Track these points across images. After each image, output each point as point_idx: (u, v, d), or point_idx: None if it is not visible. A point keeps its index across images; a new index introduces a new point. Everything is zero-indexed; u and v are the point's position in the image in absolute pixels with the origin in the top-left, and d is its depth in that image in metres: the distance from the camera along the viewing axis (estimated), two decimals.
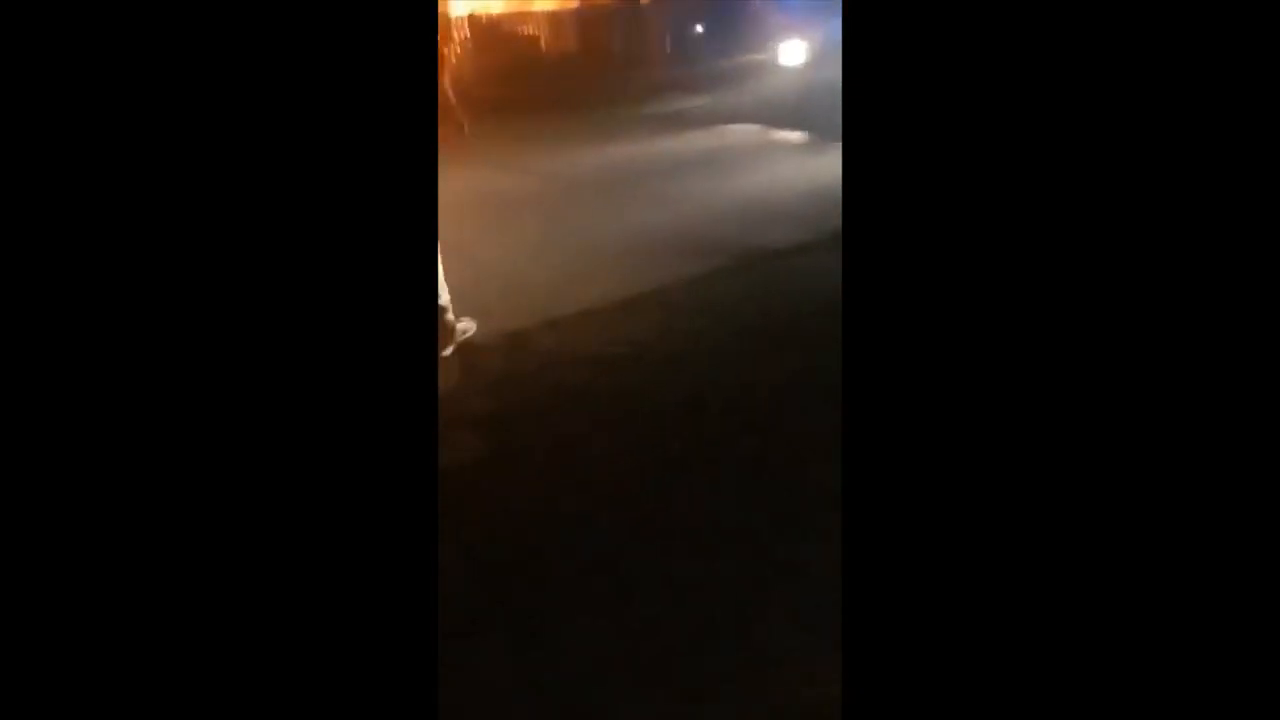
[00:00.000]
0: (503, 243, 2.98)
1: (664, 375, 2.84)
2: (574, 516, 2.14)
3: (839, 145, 1.09)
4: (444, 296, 2.93)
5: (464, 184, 4.87)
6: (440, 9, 2.67)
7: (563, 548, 2.03)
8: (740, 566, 1.91)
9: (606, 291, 3.39)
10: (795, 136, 6.08)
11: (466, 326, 2.99)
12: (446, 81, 2.73)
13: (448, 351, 2.92)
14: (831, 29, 9.27)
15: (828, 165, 5.32)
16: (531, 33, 9.18)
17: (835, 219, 3.65)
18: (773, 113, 6.55)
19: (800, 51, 8.41)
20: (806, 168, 5.43)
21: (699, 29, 8.35)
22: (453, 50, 2.70)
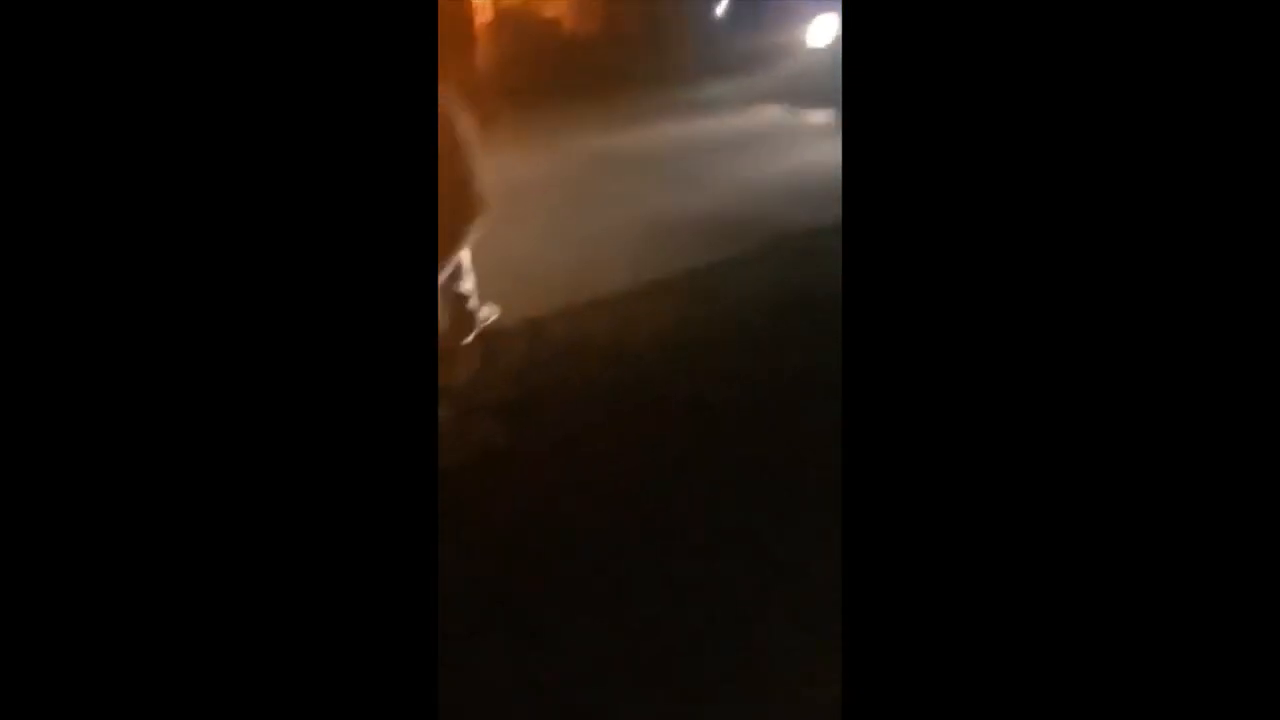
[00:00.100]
0: (525, 228, 2.92)
1: (687, 363, 2.77)
2: (587, 510, 2.09)
3: None
4: (467, 284, 2.87)
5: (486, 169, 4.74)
6: None
7: (572, 543, 1.99)
8: (754, 565, 1.87)
9: (631, 277, 3.32)
10: (823, 118, 5.96)
11: (488, 313, 2.93)
12: (476, 63, 2.67)
13: (469, 339, 2.86)
14: None
15: None
16: (553, 15, 9.10)
17: None
18: (800, 94, 6.42)
19: (828, 32, 8.27)
20: (834, 149, 5.31)
21: (724, 9, 8.23)
22: (480, 32, 2.64)
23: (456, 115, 2.73)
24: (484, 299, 2.92)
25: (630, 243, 3.71)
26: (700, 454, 2.29)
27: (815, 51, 8.30)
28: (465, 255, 2.86)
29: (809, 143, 5.45)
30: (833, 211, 4.00)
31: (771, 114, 6.20)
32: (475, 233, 2.83)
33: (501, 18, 2.77)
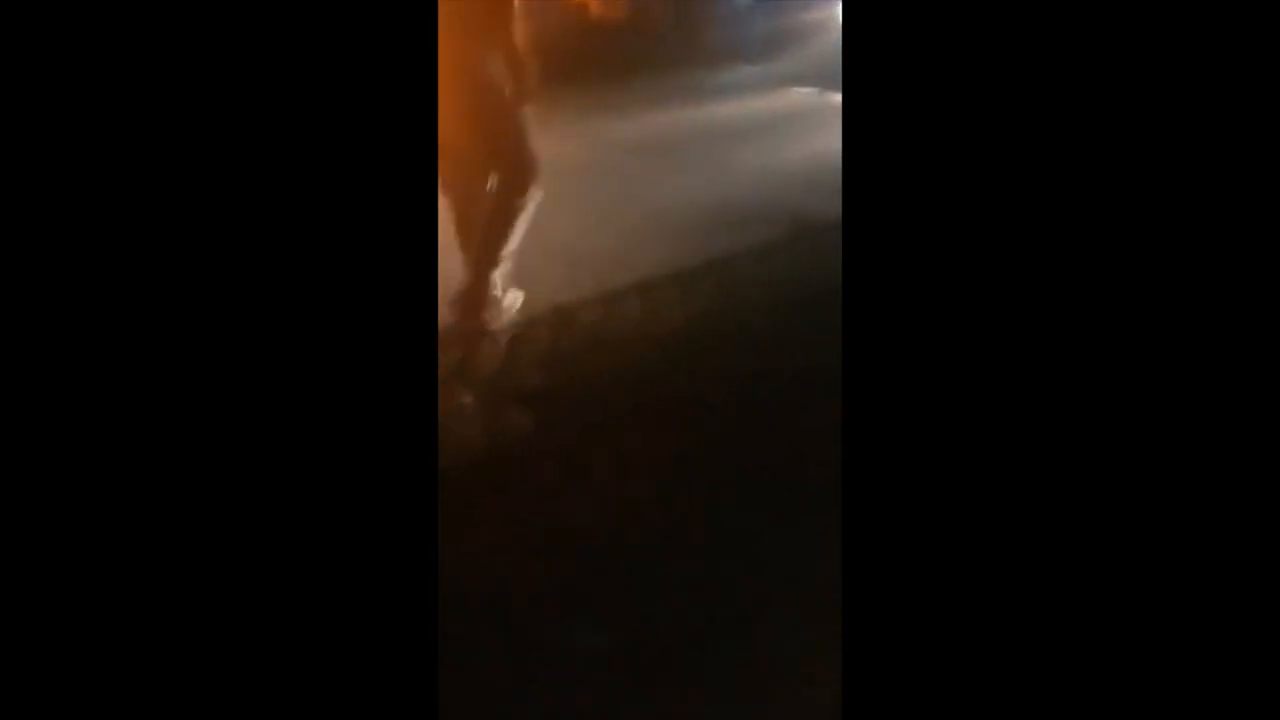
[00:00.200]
0: (552, 213, 2.86)
1: (717, 352, 2.71)
2: (607, 502, 2.06)
3: None
4: (497, 270, 2.82)
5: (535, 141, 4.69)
6: None
7: (587, 535, 1.97)
8: (760, 563, 1.84)
9: (660, 263, 3.26)
10: None
11: (514, 299, 2.88)
12: (518, 41, 2.62)
13: (495, 325, 2.82)
14: None
15: None
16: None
17: None
18: (832, 75, 6.32)
19: None
20: None
21: None
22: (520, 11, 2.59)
23: (503, 85, 2.65)
24: (510, 285, 2.88)
25: (657, 230, 3.65)
26: (726, 446, 2.25)
27: None
28: (493, 235, 2.81)
29: (839, 126, 5.35)
30: None
31: (800, 97, 6.09)
32: (529, 206, 2.77)
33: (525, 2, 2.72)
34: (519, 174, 2.75)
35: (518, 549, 1.94)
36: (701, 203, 3.99)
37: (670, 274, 3.21)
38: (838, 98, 6.42)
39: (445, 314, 2.82)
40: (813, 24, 8.28)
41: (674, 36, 6.69)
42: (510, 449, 2.29)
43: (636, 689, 1.59)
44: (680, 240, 3.53)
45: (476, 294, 2.82)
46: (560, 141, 5.18)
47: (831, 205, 3.91)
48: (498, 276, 2.83)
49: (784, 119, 5.51)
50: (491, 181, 2.78)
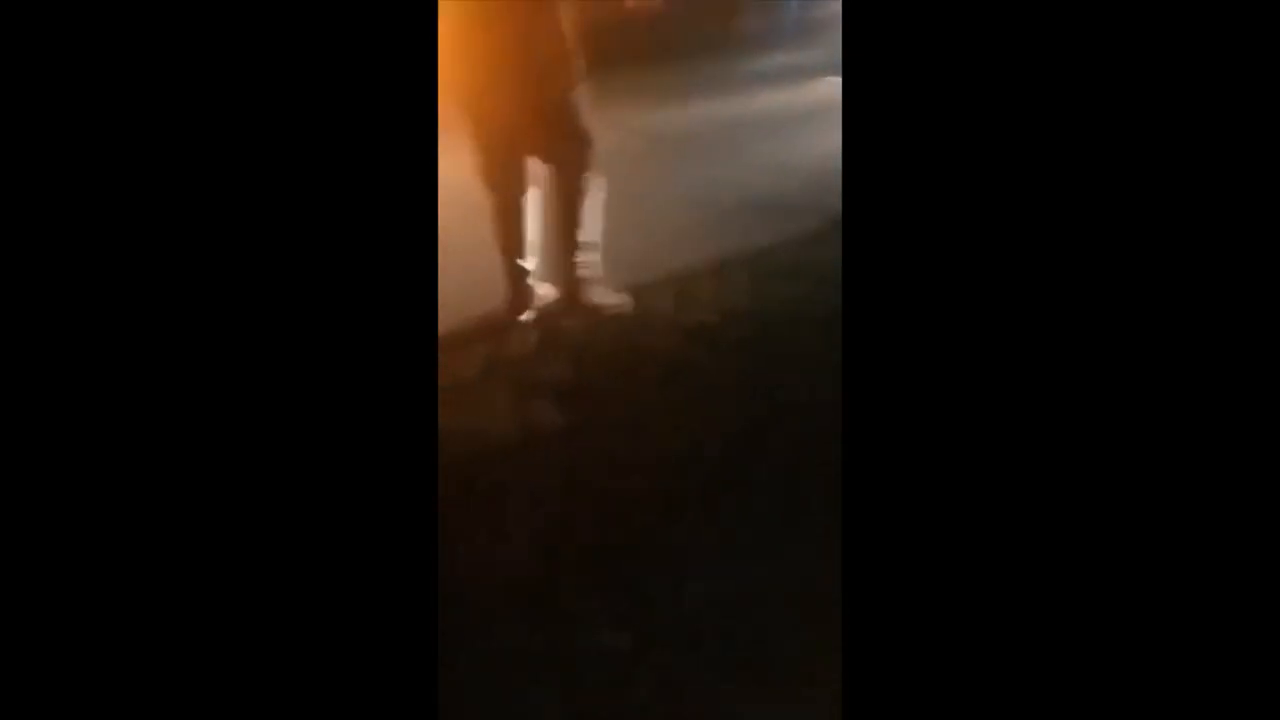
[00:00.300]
0: (585, 203, 2.82)
1: (753, 346, 2.67)
2: (632, 497, 2.04)
3: None
4: (530, 260, 2.80)
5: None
6: None
7: (604, 529, 1.95)
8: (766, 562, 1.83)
9: (694, 255, 3.22)
10: None
11: (547, 292, 2.85)
12: (566, 28, 2.58)
13: (526, 316, 2.79)
14: None
15: None
16: None
17: None
18: None
19: None
20: None
21: None
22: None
23: (554, 73, 2.58)
24: (542, 276, 2.85)
25: (690, 221, 3.60)
26: (754, 444, 2.21)
27: None
28: (532, 229, 2.78)
29: None
30: None
31: (834, 87, 6.02)
32: (594, 186, 2.72)
33: None
34: (566, 165, 2.71)
35: (544, 542, 1.93)
36: (734, 194, 3.94)
37: (702, 267, 3.16)
38: None
39: (477, 306, 2.81)
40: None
41: (706, 25, 6.61)
42: (539, 442, 2.26)
43: (636, 688, 1.59)
44: (713, 232, 3.49)
45: (509, 286, 2.80)
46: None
47: None
48: (532, 268, 2.81)
49: (818, 109, 5.44)
50: (537, 172, 2.74)
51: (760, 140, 4.78)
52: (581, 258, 2.81)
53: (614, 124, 4.79)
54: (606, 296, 2.85)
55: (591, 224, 2.78)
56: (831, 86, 6.43)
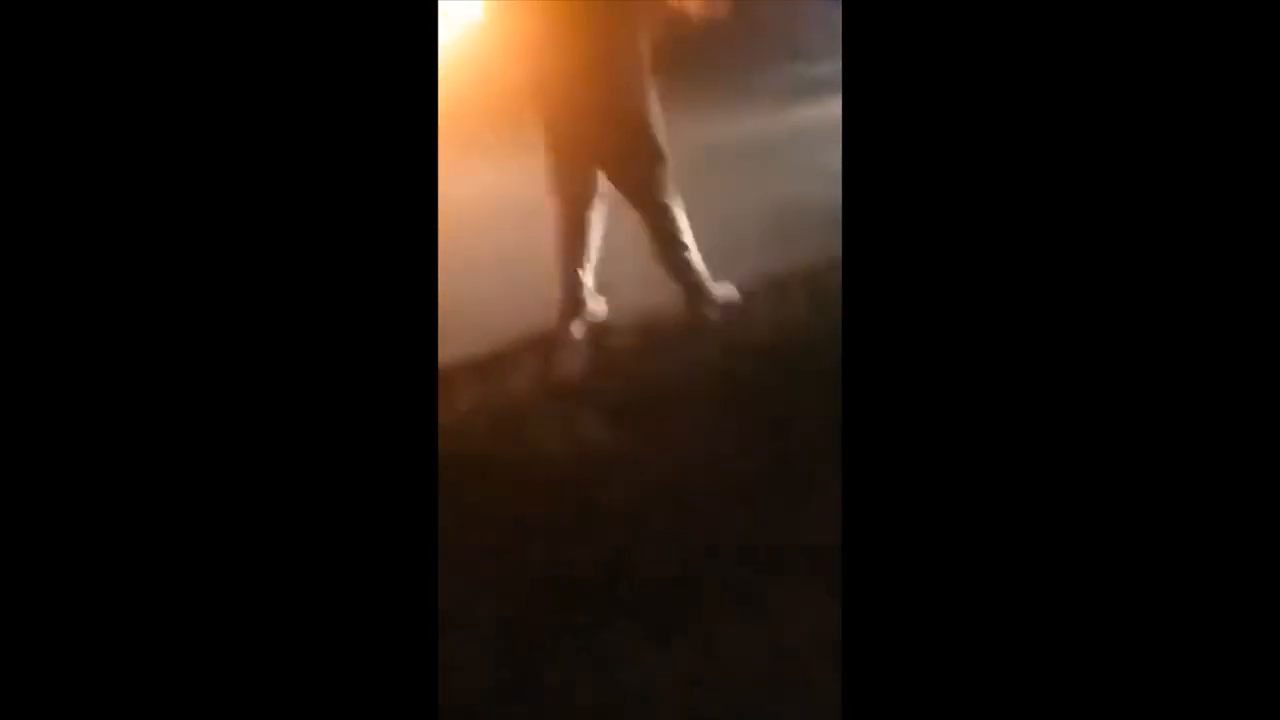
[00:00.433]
0: (637, 216, 2.77)
1: (807, 367, 2.58)
2: (668, 517, 2.01)
3: None
4: (586, 278, 2.74)
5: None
6: None
7: (639, 543, 1.93)
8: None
9: (748, 271, 3.14)
10: None
11: (598, 307, 2.80)
12: (645, 41, 2.52)
13: (577, 333, 2.74)
14: None
15: None
16: None
17: None
18: None
19: None
20: None
21: None
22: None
23: (633, 82, 2.53)
24: (596, 290, 2.80)
25: (748, 235, 3.53)
26: (814, 459, 2.12)
27: None
28: (595, 240, 2.73)
29: None
30: None
31: None
32: (663, 201, 2.67)
33: None
34: (636, 178, 2.65)
35: (594, 557, 1.88)
36: (793, 207, 3.85)
37: (760, 282, 3.09)
38: None
39: (528, 318, 2.77)
40: None
41: (766, 34, 6.53)
42: (587, 460, 2.21)
43: (635, 688, 1.59)
44: (770, 247, 3.40)
45: (565, 299, 2.76)
46: None
47: None
48: (588, 281, 2.76)
49: None
50: (605, 184, 2.70)
51: (819, 152, 4.68)
52: (642, 273, 2.75)
53: (670, 136, 4.73)
54: (665, 311, 2.79)
55: (656, 239, 2.72)
56: None
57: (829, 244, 3.50)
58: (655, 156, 2.63)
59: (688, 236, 2.73)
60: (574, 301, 2.76)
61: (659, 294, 2.82)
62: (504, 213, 3.43)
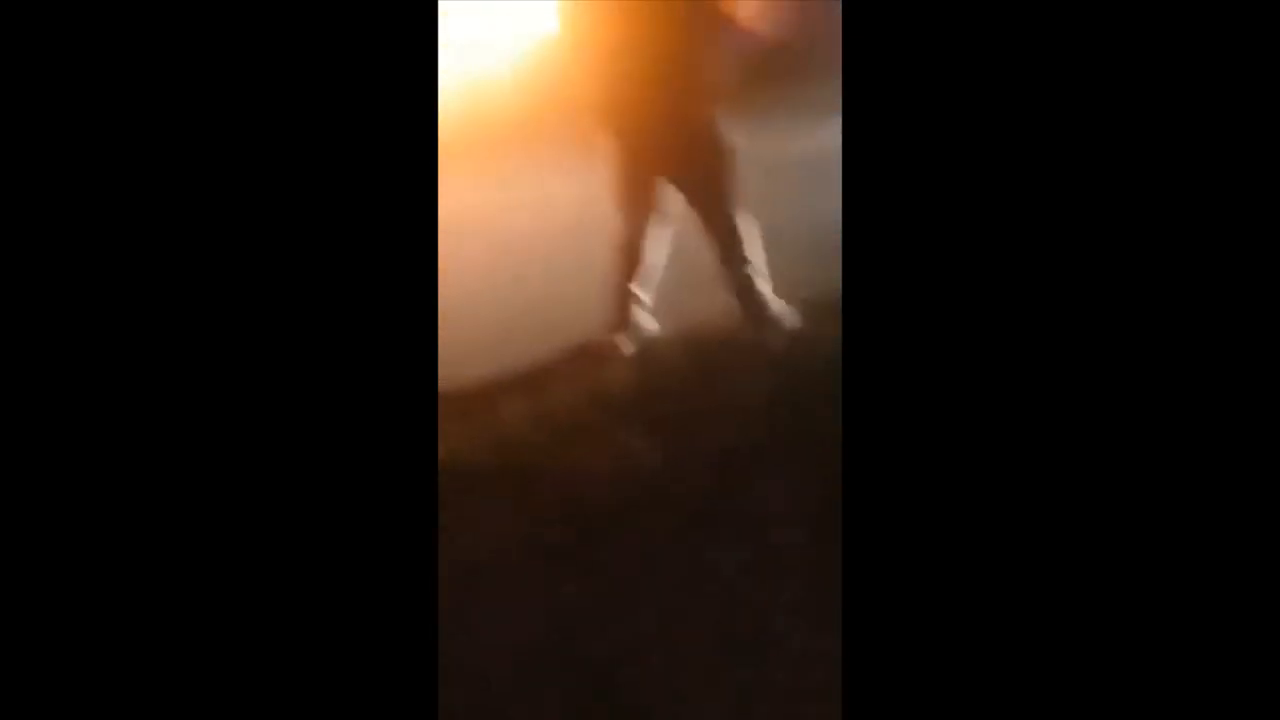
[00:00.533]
0: (688, 231, 2.76)
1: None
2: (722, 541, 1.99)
3: None
4: (641, 292, 2.74)
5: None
6: None
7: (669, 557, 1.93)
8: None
9: (800, 288, 3.12)
10: None
11: (649, 322, 2.81)
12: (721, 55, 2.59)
13: (626, 348, 2.76)
14: None
15: None
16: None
17: None
18: None
19: None
20: None
21: None
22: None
23: (708, 96, 2.53)
24: (652, 305, 2.81)
25: (798, 254, 3.50)
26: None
27: None
28: (654, 255, 2.73)
29: None
30: None
31: None
32: (726, 216, 2.64)
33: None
34: (702, 192, 2.63)
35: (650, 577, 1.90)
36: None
37: (818, 298, 3.06)
38: None
39: (581, 331, 2.79)
40: None
41: (824, 49, 6.45)
42: (635, 478, 2.22)
43: (636, 689, 1.60)
44: (828, 263, 3.37)
45: (616, 310, 2.77)
46: None
47: None
48: (643, 296, 2.77)
49: None
50: (669, 199, 2.69)
51: None
52: (699, 289, 2.75)
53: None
54: (719, 329, 2.79)
55: (721, 256, 2.70)
56: None
57: None
58: (727, 173, 2.61)
59: (754, 255, 2.71)
60: (625, 315, 2.77)
61: (715, 311, 2.80)
62: (564, 222, 3.47)
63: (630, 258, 2.72)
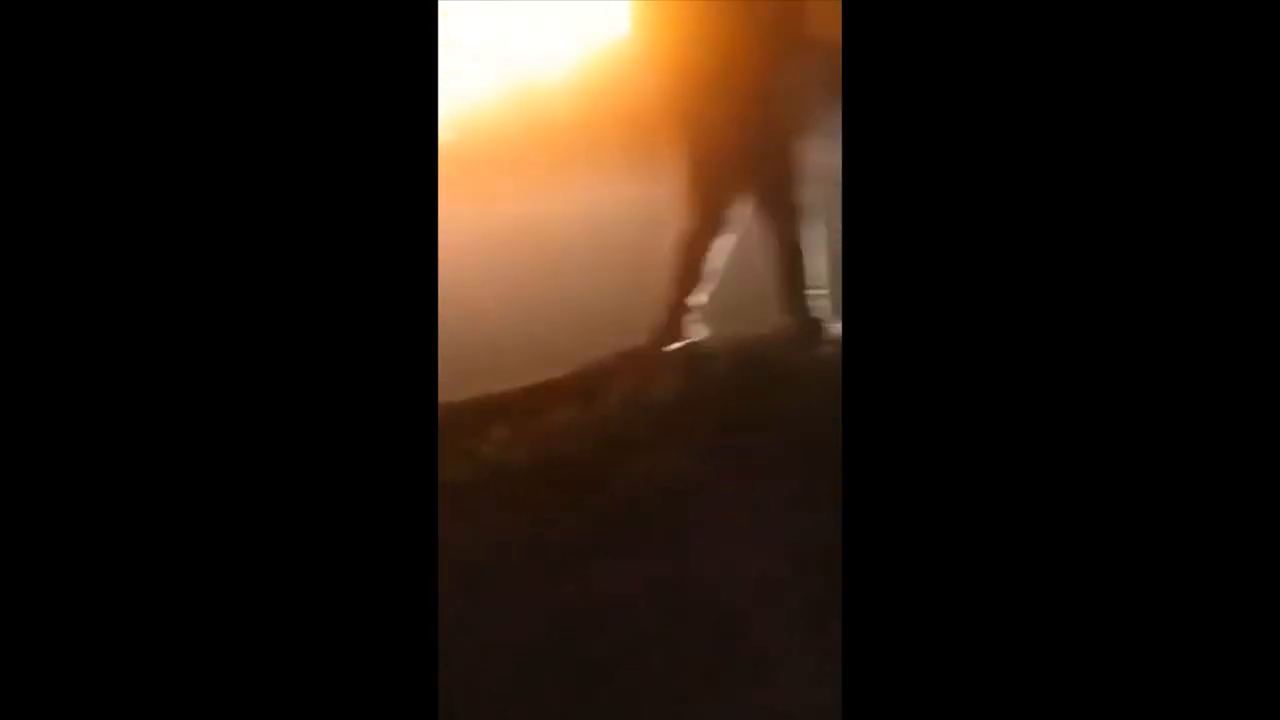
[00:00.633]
0: (751, 244, 2.74)
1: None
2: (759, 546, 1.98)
3: None
4: (695, 301, 2.74)
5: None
6: None
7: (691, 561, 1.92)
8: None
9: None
10: None
11: (696, 330, 2.80)
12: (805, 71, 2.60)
13: (677, 358, 2.76)
14: None
15: None
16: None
17: None
18: None
19: None
20: None
21: None
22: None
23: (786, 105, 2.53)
24: (705, 315, 2.80)
25: None
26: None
27: None
28: (713, 264, 2.71)
29: None
30: None
31: None
32: (809, 218, 2.61)
33: None
34: (772, 204, 2.61)
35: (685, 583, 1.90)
36: None
37: None
38: None
39: (630, 340, 2.78)
40: None
41: None
42: (672, 488, 2.23)
43: (635, 690, 1.59)
44: None
45: (668, 316, 2.75)
46: None
47: None
48: (697, 305, 2.75)
49: None
50: (736, 208, 2.66)
51: None
52: (755, 301, 2.73)
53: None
54: (772, 342, 2.78)
55: (785, 268, 2.68)
56: None
57: None
58: (797, 183, 2.58)
59: (817, 271, 2.66)
60: (678, 325, 2.75)
61: (771, 326, 2.78)
62: (618, 231, 3.48)
63: (689, 268, 2.70)
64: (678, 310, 2.74)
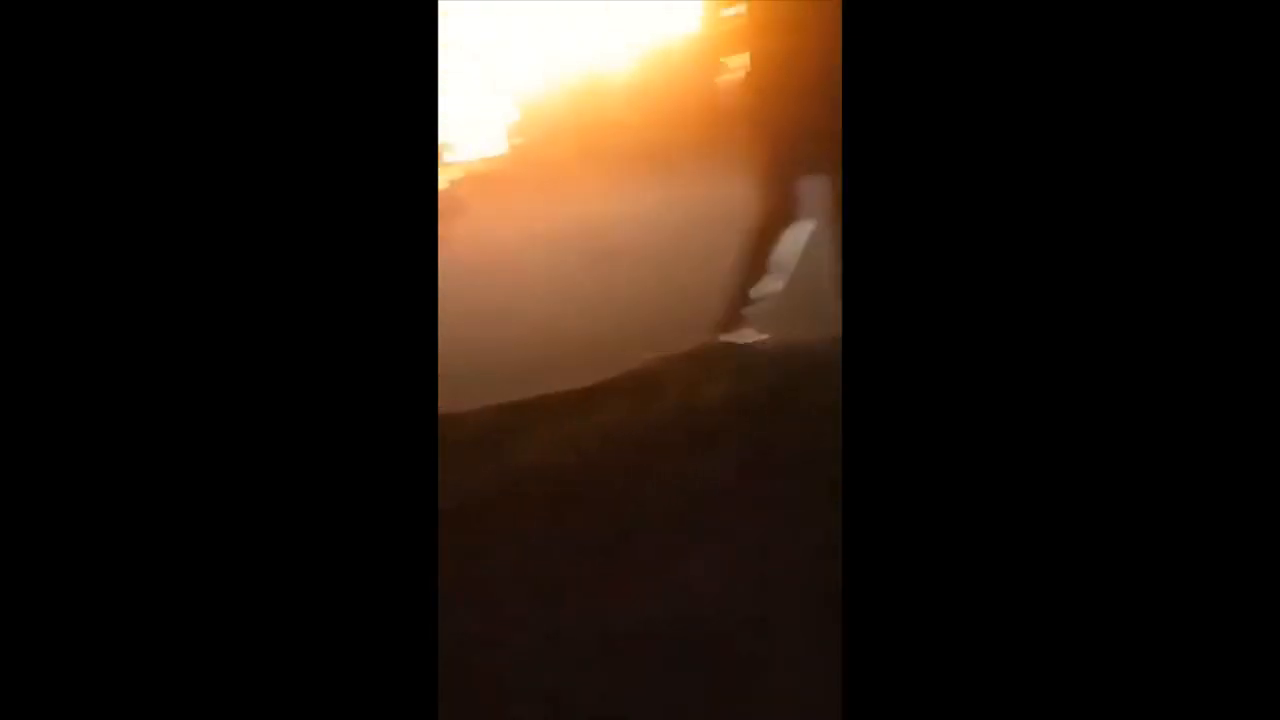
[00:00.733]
0: (823, 240, 2.73)
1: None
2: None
3: None
4: (754, 301, 2.76)
5: None
6: None
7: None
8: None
9: None
10: None
11: (744, 335, 2.83)
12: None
13: (729, 361, 2.78)
14: None
15: None
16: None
17: None
18: None
19: None
20: None
21: None
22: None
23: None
24: (761, 316, 2.83)
25: None
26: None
27: None
28: (778, 264, 2.72)
29: None
30: None
31: None
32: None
33: None
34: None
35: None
36: None
37: None
38: None
39: (691, 338, 2.82)
40: None
41: None
42: (702, 491, 2.26)
43: (636, 690, 1.60)
44: None
45: (725, 311, 2.77)
46: None
47: None
48: (754, 303, 2.78)
49: None
50: (805, 204, 2.66)
51: None
52: (815, 305, 2.72)
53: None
54: (806, 341, 2.80)
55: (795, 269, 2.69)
56: None
57: None
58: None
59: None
60: (733, 327, 2.78)
61: (808, 326, 2.77)
62: (682, 229, 3.50)
63: (755, 265, 2.70)
64: (741, 305, 2.76)
